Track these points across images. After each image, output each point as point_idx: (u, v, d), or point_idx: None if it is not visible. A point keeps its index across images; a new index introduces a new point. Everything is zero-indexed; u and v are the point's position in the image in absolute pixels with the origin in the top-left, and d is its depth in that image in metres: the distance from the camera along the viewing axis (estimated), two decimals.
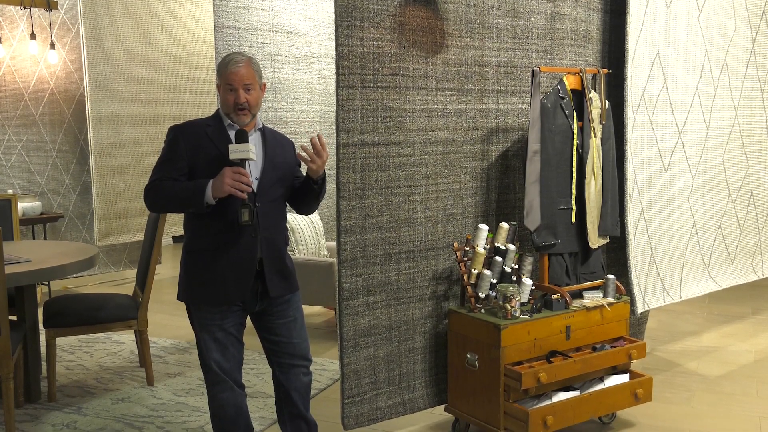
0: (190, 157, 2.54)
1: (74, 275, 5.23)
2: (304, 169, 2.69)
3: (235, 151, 2.47)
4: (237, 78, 2.52)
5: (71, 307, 3.83)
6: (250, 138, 2.57)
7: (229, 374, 2.63)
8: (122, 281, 6.74)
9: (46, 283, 5.94)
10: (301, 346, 2.75)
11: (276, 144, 2.67)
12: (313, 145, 2.56)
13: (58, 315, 3.77)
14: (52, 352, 3.73)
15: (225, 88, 2.55)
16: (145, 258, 3.98)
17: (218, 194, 2.45)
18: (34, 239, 5.99)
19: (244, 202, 2.48)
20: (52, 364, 3.74)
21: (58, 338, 3.86)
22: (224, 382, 2.63)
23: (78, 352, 4.62)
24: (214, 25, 4.68)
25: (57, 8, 6.12)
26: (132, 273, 6.73)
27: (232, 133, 2.57)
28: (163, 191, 2.52)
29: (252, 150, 2.49)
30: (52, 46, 6.06)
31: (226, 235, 2.54)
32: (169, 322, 5.31)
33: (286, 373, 2.75)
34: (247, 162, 2.51)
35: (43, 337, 3.96)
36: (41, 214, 5.93)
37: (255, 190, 2.56)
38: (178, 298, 2.65)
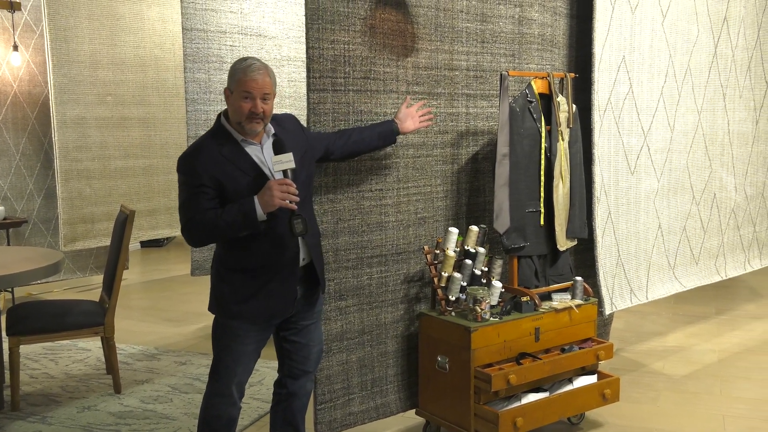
0: (215, 185, 2.41)
1: (39, 281, 5.14)
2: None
3: (279, 163, 2.42)
4: (256, 86, 2.39)
5: (35, 314, 3.75)
6: (264, 146, 2.50)
7: (238, 388, 2.62)
8: (88, 287, 6.63)
9: (10, 289, 5.81)
10: (315, 351, 2.76)
11: (288, 139, 2.53)
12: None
13: (22, 322, 3.69)
14: (16, 359, 3.65)
15: (240, 94, 2.39)
16: (112, 263, 3.92)
17: (268, 209, 2.37)
18: None
19: (294, 213, 2.41)
20: (15, 372, 3.66)
21: (21, 346, 3.77)
22: (230, 397, 2.61)
23: (42, 360, 4.52)
24: (182, 28, 4.63)
25: (20, 9, 5.99)
26: (98, 278, 6.60)
27: (250, 148, 2.47)
28: (206, 225, 2.40)
29: (293, 158, 2.44)
30: (15, 48, 5.93)
31: (275, 249, 2.48)
32: (137, 329, 5.23)
33: (295, 379, 2.75)
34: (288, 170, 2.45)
35: (6, 345, 3.87)
36: (4, 219, 5.79)
37: None
38: (210, 310, 2.60)
